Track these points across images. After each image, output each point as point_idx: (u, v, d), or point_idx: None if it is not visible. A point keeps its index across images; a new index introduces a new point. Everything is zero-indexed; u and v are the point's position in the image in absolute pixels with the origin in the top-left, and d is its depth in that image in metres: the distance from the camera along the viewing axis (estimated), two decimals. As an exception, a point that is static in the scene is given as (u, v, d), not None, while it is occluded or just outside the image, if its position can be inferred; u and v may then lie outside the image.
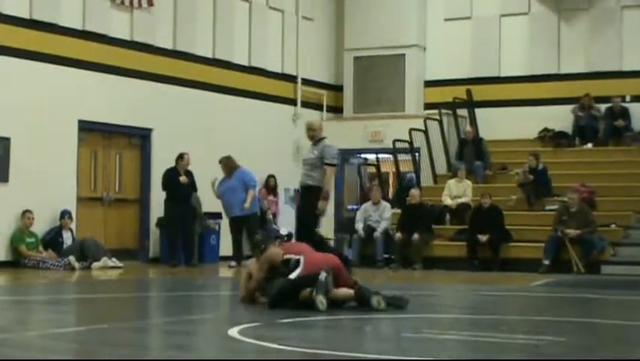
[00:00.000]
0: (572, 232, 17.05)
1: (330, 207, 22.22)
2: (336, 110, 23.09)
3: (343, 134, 22.30)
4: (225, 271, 16.79)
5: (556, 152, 20.95)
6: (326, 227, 21.65)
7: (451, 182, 19.65)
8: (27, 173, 16.49)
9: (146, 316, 10.25)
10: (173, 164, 17.79)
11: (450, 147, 21.39)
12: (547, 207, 18.63)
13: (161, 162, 18.36)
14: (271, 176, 20.42)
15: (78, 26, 17.53)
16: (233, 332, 7.78)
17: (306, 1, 22.44)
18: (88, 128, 17.79)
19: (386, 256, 18.42)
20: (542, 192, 19.07)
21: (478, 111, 21.92)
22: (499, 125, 21.55)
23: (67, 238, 16.85)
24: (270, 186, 20.41)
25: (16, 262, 16.31)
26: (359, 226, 18.75)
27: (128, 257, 17.84)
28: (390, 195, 21.92)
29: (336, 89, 23.21)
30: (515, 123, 21.47)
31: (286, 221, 19.44)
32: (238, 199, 17.13)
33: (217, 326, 8.90)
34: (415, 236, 18.04)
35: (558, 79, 21.54)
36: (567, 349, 7.46)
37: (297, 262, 9.63)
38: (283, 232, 12.42)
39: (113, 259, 16.72)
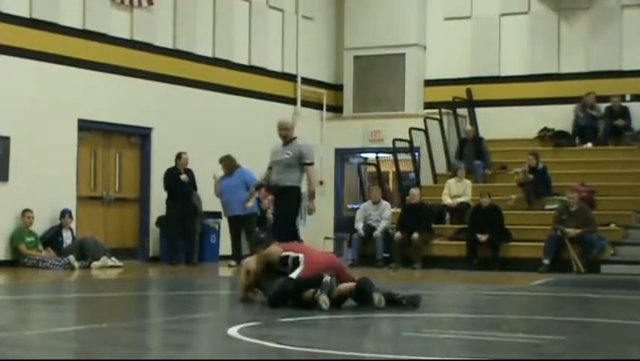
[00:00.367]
0: (571, 231, 17.05)
1: (329, 207, 22.43)
2: (336, 109, 23.07)
3: (343, 133, 22.37)
4: (225, 271, 16.80)
5: (556, 151, 20.93)
6: (326, 227, 21.75)
7: (451, 181, 19.64)
8: (27, 172, 16.48)
9: (145, 315, 10.25)
10: (173, 163, 17.85)
11: (450, 147, 21.37)
12: (547, 207, 18.63)
13: (160, 161, 18.36)
14: (271, 176, 20.38)
15: (78, 25, 17.52)
16: (233, 331, 7.77)
17: (306, 0, 22.42)
18: (88, 128, 17.78)
19: (386, 255, 18.39)
20: (542, 191, 19.06)
21: (478, 110, 21.89)
22: (499, 125, 21.52)
23: (66, 237, 16.84)
24: (270, 186, 20.36)
25: (15, 262, 16.31)
26: (359, 225, 18.73)
27: (127, 256, 17.85)
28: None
29: (336, 88, 23.19)
30: (515, 123, 21.44)
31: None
32: (238, 198, 17.10)
33: (217, 325, 8.90)
34: (415, 235, 18.03)
35: (558, 78, 21.51)
36: (567, 348, 7.46)
37: (296, 259, 9.62)
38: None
39: (113, 259, 16.72)
